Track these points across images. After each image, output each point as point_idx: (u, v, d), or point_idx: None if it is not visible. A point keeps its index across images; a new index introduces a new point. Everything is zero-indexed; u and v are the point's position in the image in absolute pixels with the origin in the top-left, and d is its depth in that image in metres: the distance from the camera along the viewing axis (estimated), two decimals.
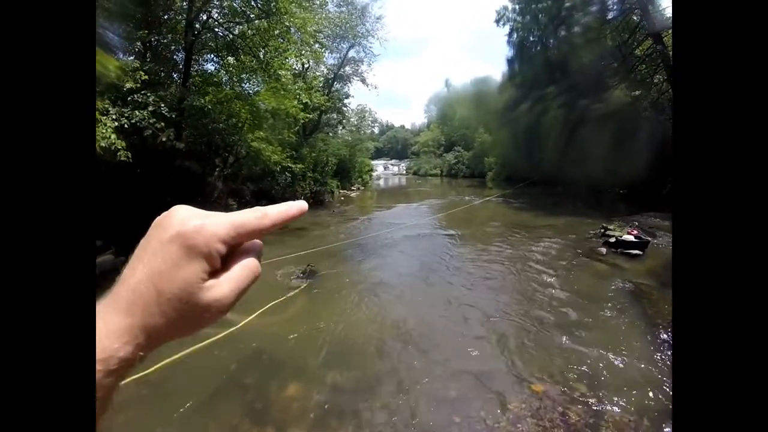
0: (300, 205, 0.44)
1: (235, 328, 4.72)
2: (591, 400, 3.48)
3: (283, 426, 3.25)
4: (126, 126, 7.12)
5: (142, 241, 0.39)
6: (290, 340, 4.68)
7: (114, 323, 0.34)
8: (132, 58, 8.80)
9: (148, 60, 9.14)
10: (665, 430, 3.09)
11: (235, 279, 0.40)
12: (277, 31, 10.35)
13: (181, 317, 0.37)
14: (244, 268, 0.41)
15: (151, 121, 7.50)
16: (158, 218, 0.40)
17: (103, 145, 6.51)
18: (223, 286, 0.39)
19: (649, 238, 8.35)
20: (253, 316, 5.07)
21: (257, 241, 0.44)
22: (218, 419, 3.31)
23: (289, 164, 12.41)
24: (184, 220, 0.38)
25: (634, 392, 3.55)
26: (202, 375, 3.89)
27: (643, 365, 3.99)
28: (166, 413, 3.33)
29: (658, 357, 4.11)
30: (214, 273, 0.39)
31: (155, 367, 3.69)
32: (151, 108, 7.60)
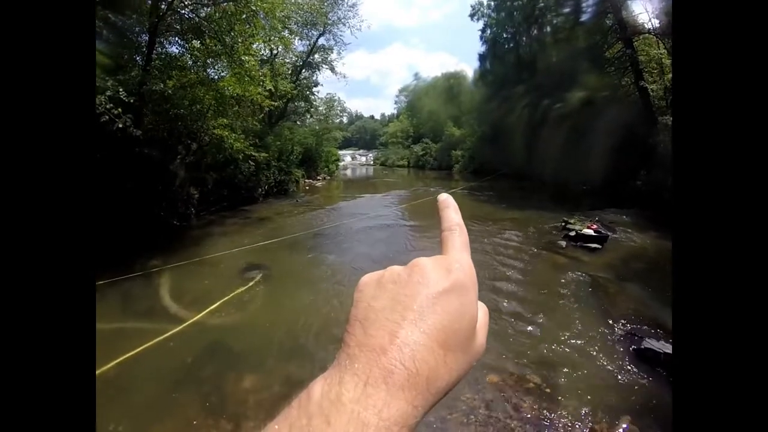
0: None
1: (189, 322, 4.71)
2: (546, 391, 3.56)
3: (239, 419, 3.30)
4: None
5: (375, 304, 0.34)
6: (247, 333, 4.69)
7: (391, 407, 0.27)
8: None
9: (110, 42, 8.75)
10: (618, 423, 3.16)
11: (484, 324, 0.37)
12: (244, 16, 10.07)
13: (460, 372, 0.32)
14: (485, 314, 0.38)
15: (108, 106, 7.22)
16: (395, 275, 0.36)
17: None
18: (479, 332, 0.36)
19: (609, 233, 8.65)
20: (209, 309, 5.07)
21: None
22: (175, 414, 3.33)
23: (252, 153, 12.19)
24: (451, 264, 0.36)
25: (589, 385, 3.64)
26: (159, 370, 3.89)
27: (598, 358, 4.10)
28: (122, 409, 3.33)
29: (613, 349, 4.23)
30: None
31: (112, 363, 3.67)
32: (109, 93, 7.32)
